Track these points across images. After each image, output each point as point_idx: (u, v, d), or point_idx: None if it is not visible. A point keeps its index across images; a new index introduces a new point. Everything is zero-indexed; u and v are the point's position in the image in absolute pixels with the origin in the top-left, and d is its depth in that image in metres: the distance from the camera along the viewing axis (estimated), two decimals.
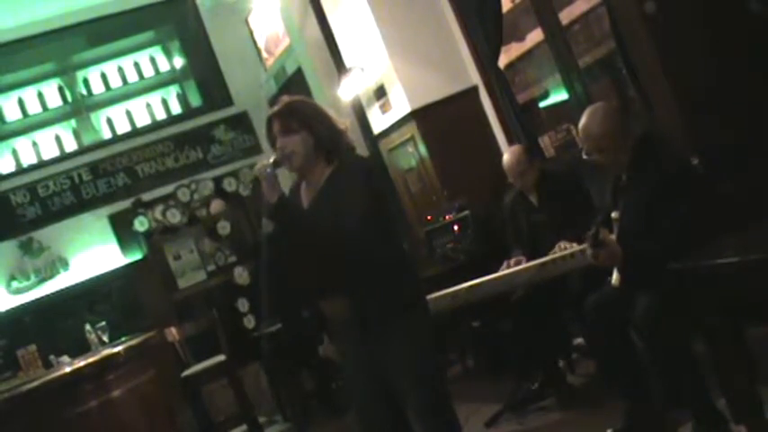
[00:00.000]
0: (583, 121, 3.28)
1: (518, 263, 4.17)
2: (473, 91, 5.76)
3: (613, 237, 3.13)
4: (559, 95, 5.61)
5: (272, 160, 2.72)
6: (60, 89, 7.49)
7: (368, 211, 2.66)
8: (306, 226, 2.69)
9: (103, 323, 6.37)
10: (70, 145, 7.41)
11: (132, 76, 7.72)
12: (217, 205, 6.94)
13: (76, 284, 6.94)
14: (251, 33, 7.69)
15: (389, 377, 2.76)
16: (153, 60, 7.86)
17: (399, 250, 2.89)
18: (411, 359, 2.72)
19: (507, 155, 4.46)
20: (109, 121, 7.56)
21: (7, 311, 6.72)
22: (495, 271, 4.15)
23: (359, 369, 2.85)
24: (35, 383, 4.33)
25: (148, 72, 7.81)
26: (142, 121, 7.65)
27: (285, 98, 2.89)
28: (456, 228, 5.30)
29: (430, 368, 2.78)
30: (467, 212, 5.25)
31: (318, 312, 2.88)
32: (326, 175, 2.78)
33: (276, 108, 2.82)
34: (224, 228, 7.00)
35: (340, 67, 6.17)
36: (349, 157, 2.81)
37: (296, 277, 2.86)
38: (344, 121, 2.89)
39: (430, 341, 2.80)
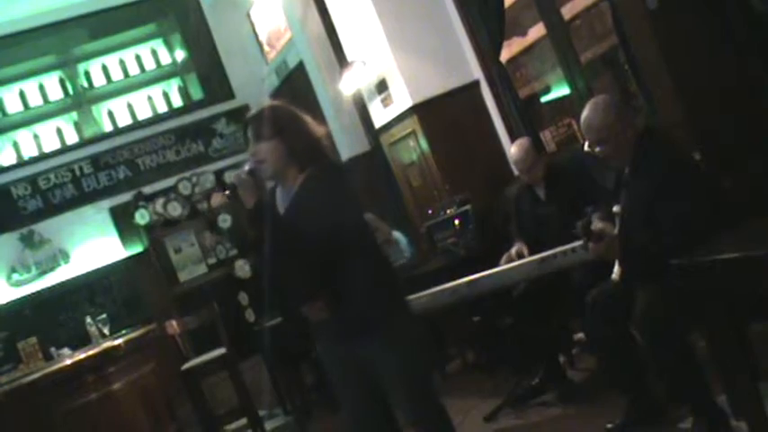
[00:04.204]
0: (584, 113, 3.27)
1: (520, 251, 4.16)
2: (475, 85, 5.75)
3: (615, 231, 3.14)
4: (561, 90, 5.60)
5: (247, 168, 2.73)
6: (62, 81, 7.49)
7: (340, 217, 2.67)
8: (281, 231, 2.69)
9: (104, 316, 6.40)
10: (71, 137, 7.41)
11: (134, 69, 7.72)
12: (218, 198, 6.94)
13: (77, 277, 6.96)
14: (252, 27, 7.68)
15: (374, 377, 2.76)
16: (154, 53, 7.85)
17: (374, 254, 2.87)
18: (394, 360, 2.72)
19: (515, 147, 4.42)
20: (110, 114, 7.56)
21: (8, 304, 6.74)
22: (496, 265, 4.15)
23: (344, 370, 2.84)
24: (36, 376, 4.35)
25: (150, 65, 7.81)
26: (143, 113, 7.65)
27: (264, 102, 2.92)
28: (457, 222, 5.29)
29: (414, 367, 2.78)
30: (468, 207, 5.24)
31: (303, 315, 2.88)
32: (299, 181, 2.77)
33: (252, 113, 2.83)
34: (225, 221, 7.00)
35: (342, 60, 6.17)
36: (322, 164, 2.79)
37: (277, 281, 2.85)
38: (322, 128, 2.89)
39: (412, 340, 2.79)
